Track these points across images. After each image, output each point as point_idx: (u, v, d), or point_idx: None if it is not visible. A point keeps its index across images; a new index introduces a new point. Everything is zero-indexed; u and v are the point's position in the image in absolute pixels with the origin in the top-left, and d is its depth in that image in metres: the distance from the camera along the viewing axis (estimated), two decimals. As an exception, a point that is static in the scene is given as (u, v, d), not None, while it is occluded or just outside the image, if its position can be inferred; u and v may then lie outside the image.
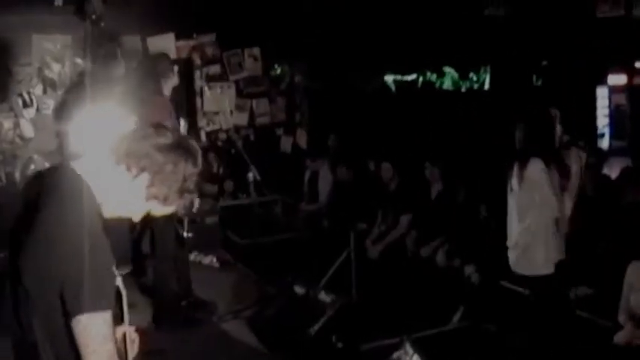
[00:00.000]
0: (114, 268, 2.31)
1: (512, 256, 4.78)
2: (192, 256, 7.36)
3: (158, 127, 2.39)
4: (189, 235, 6.16)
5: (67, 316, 2.10)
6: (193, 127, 9.00)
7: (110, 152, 2.31)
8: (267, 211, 9.33)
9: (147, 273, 7.01)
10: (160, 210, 2.43)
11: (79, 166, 2.30)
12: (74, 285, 2.08)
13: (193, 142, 2.45)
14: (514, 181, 4.64)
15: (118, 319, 2.47)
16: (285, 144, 10.35)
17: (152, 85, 5.93)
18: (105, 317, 2.13)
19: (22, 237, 2.21)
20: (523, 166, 4.55)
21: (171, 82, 6.03)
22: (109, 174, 2.30)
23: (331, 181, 9.01)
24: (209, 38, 9.55)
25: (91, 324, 2.10)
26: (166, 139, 2.34)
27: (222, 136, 9.90)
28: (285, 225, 9.05)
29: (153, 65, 6.08)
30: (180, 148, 2.35)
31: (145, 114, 5.86)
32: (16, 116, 8.16)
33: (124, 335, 2.53)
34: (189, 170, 2.37)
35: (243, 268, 7.61)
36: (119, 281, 2.39)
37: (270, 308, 5.96)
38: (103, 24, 7.86)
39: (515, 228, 4.73)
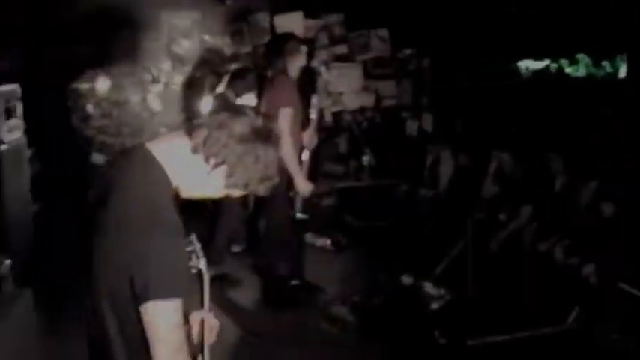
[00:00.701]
0: (197, 251, 2.32)
1: None
2: (307, 237, 7.32)
3: (236, 112, 2.30)
4: (303, 216, 6.14)
5: (136, 301, 2.06)
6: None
7: (189, 139, 2.26)
8: (386, 195, 9.22)
9: (261, 251, 7.04)
10: (239, 193, 2.37)
11: (157, 148, 2.26)
12: (142, 270, 2.04)
13: (273, 125, 2.36)
14: None
15: (197, 304, 2.45)
16: (411, 127, 10.18)
17: (278, 64, 5.94)
18: (173, 305, 2.07)
19: (96, 217, 2.20)
20: None
21: (297, 62, 6.03)
22: (187, 160, 2.25)
23: (452, 168, 8.80)
24: (337, 18, 9.46)
25: (158, 311, 2.05)
26: (244, 127, 2.25)
27: (347, 116, 9.82)
28: (403, 210, 8.92)
29: (281, 44, 6.08)
30: (259, 135, 2.26)
31: (268, 93, 5.94)
32: (144, 90, 8.34)
33: (202, 321, 2.50)
34: (270, 157, 2.29)
35: (356, 253, 7.53)
36: (202, 264, 2.36)
37: (378, 297, 5.88)
38: (230, 1, 7.95)
39: None
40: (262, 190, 2.34)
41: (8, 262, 4.32)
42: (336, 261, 7.32)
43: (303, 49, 6.10)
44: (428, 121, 10.03)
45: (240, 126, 2.23)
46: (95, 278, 2.19)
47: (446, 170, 8.88)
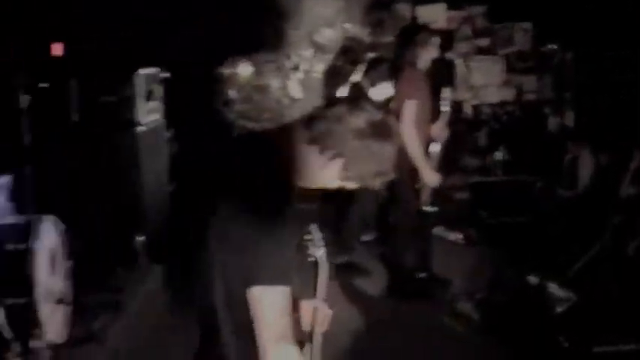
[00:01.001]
0: (315, 240, 2.33)
1: None
2: (438, 231, 7.28)
3: (355, 106, 2.32)
4: (432, 209, 6.12)
5: (244, 285, 2.11)
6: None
7: (308, 129, 2.30)
8: (522, 192, 9.04)
9: (389, 242, 7.05)
10: (353, 186, 2.39)
11: (276, 136, 2.31)
12: (251, 255, 2.09)
13: (391, 121, 2.37)
14: None
15: (311, 293, 2.48)
16: (552, 124, 9.92)
17: (407, 55, 5.93)
18: (280, 291, 2.10)
19: (215, 199, 2.28)
20: None
21: (428, 54, 5.99)
22: (304, 150, 2.29)
23: (592, 167, 8.53)
24: (480, 10, 9.35)
25: (264, 296, 2.09)
26: (361, 121, 2.26)
27: (487, 110, 9.67)
28: (538, 208, 8.72)
29: (412, 35, 6.07)
30: (377, 130, 2.26)
31: (398, 83, 5.93)
32: (284, 77, 8.45)
33: (315, 310, 2.53)
34: (386, 153, 2.29)
35: (487, 249, 7.42)
36: (320, 253, 2.38)
37: (503, 295, 5.79)
38: (373, -10, 7.94)
39: None
40: (377, 184, 2.34)
41: (142, 239, 4.49)
42: (466, 256, 7.26)
43: (435, 40, 6.04)
44: (570, 117, 9.76)
45: (358, 120, 2.25)
46: (210, 261, 2.26)
47: (585, 168, 8.63)
